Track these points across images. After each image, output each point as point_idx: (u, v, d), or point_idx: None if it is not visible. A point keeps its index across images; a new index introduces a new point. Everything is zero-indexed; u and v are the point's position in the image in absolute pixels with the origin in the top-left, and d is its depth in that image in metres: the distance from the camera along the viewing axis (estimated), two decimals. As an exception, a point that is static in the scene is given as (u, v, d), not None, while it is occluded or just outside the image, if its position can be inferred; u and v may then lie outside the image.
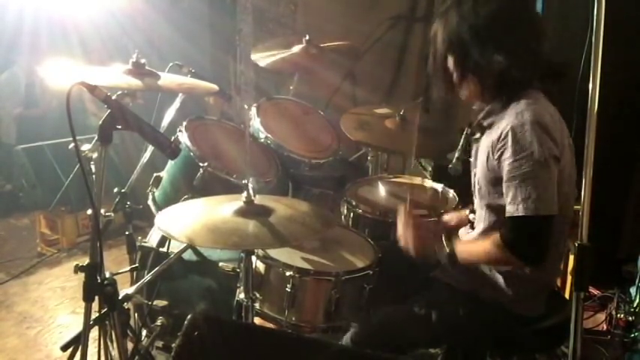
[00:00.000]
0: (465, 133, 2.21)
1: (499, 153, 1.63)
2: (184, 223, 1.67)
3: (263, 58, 3.06)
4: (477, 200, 1.83)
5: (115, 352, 1.80)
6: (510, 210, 1.60)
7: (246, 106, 2.34)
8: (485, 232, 1.76)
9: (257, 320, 1.99)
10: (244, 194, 1.73)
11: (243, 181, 1.75)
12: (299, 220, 1.75)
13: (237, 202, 1.74)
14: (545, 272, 1.77)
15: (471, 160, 1.87)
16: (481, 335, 1.81)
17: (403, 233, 1.85)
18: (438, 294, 1.85)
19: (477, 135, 1.83)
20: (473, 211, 1.90)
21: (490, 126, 1.74)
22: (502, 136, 1.62)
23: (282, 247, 1.66)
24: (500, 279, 1.76)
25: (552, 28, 2.89)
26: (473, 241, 1.79)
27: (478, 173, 1.77)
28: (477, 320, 1.78)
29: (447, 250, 1.76)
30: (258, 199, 1.75)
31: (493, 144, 1.66)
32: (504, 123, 1.65)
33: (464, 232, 1.97)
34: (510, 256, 1.61)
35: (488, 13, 1.63)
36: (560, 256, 1.82)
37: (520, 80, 1.65)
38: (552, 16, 2.87)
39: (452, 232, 1.96)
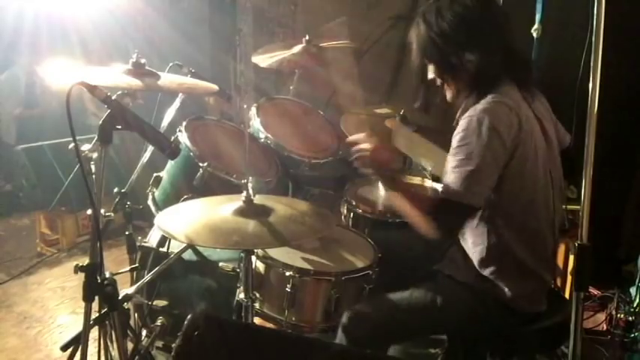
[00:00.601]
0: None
1: (454, 140, 1.71)
2: (184, 222, 1.67)
3: (264, 60, 3.05)
4: None
5: (115, 352, 1.80)
6: (442, 189, 1.71)
7: (245, 106, 2.34)
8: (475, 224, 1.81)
9: (257, 320, 2.00)
10: (244, 194, 1.73)
11: (243, 181, 1.75)
12: (299, 219, 1.75)
13: (237, 202, 1.74)
14: (544, 269, 1.79)
15: None
16: (480, 328, 1.82)
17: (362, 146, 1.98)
18: (439, 284, 1.86)
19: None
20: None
21: None
22: (459, 127, 1.70)
23: (283, 246, 1.67)
24: (491, 276, 1.78)
25: (552, 28, 2.89)
26: (420, 192, 1.89)
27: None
28: (475, 311, 1.79)
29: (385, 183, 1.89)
30: (257, 199, 1.75)
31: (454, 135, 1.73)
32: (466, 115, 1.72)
33: None
34: (431, 218, 1.71)
35: (453, 17, 1.71)
36: (549, 249, 1.82)
37: (490, 75, 1.73)
38: (552, 16, 2.87)
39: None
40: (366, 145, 1.98)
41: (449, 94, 1.85)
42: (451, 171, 1.68)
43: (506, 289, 1.76)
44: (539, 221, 1.77)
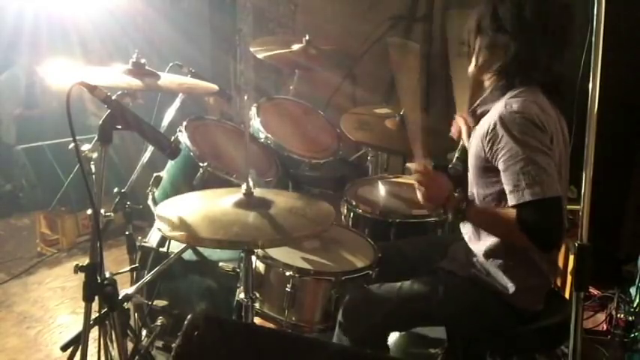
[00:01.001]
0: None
1: (490, 143, 1.66)
2: (185, 215, 1.68)
3: (261, 51, 3.05)
4: (471, 188, 1.86)
5: (115, 352, 1.80)
6: (516, 197, 1.59)
7: (246, 97, 2.34)
8: None
9: (257, 320, 1.99)
10: (244, 186, 1.73)
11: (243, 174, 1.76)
12: (299, 212, 1.76)
13: (237, 194, 1.75)
14: (548, 263, 1.78)
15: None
16: (478, 322, 1.82)
17: (420, 182, 1.81)
18: (440, 278, 1.86)
19: (472, 124, 1.87)
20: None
21: (483, 114, 1.78)
22: (492, 126, 1.65)
23: (284, 238, 1.65)
24: (498, 269, 1.77)
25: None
26: (488, 213, 1.75)
27: (470, 161, 1.82)
28: (474, 304, 1.79)
29: (460, 205, 1.73)
30: (257, 193, 1.76)
31: (483, 133, 1.69)
32: (494, 112, 1.69)
33: (466, 227, 1.95)
34: (527, 241, 1.59)
35: (535, 10, 1.67)
36: (559, 250, 1.82)
37: (525, 76, 1.70)
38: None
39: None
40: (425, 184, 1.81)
41: (472, 66, 1.82)
42: (515, 176, 1.59)
43: (509, 285, 1.76)
44: None
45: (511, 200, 1.60)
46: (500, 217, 1.66)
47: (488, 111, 1.76)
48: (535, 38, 1.68)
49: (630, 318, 2.66)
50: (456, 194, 1.75)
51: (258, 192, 1.77)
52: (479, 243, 1.83)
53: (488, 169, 1.71)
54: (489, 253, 1.79)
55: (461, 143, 2.15)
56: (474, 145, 1.78)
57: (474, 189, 1.82)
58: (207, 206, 1.74)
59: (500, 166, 1.64)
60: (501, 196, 1.68)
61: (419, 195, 1.81)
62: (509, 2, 1.70)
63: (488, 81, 1.82)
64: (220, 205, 1.73)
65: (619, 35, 1.98)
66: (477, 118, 1.82)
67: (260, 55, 3.03)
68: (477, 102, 1.81)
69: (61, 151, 3.98)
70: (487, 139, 1.66)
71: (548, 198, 1.56)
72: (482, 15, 1.75)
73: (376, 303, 1.84)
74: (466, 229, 1.90)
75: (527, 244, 1.60)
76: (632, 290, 2.72)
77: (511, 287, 1.76)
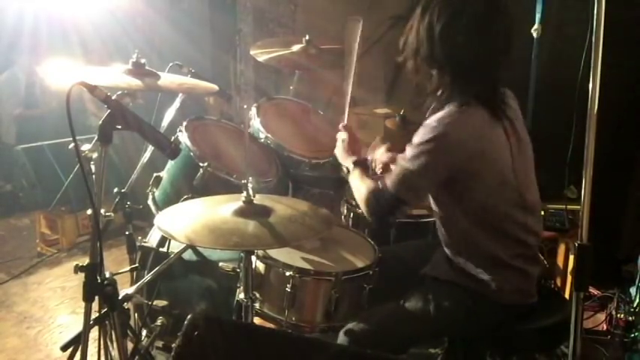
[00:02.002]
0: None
1: None
2: (184, 223, 1.67)
3: (262, 54, 3.05)
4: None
5: (115, 352, 1.80)
6: (388, 179, 1.77)
7: (245, 106, 2.34)
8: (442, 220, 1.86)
9: (257, 320, 1.99)
10: (244, 194, 1.73)
11: (243, 181, 1.76)
12: (299, 220, 1.75)
13: (237, 202, 1.74)
14: (523, 262, 1.79)
15: None
16: (475, 325, 1.81)
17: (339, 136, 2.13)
18: (428, 289, 1.86)
19: None
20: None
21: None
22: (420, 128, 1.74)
23: (283, 247, 1.67)
24: (472, 266, 1.79)
25: (552, 28, 2.89)
26: (366, 176, 1.94)
27: None
28: (467, 308, 1.79)
29: (348, 166, 2.01)
30: (257, 199, 1.75)
31: None
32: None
33: None
34: (366, 208, 1.83)
35: (461, 23, 1.67)
36: (526, 245, 1.81)
37: (463, 89, 1.70)
38: (552, 16, 2.87)
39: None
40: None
41: (414, 80, 1.84)
42: (397, 162, 1.76)
43: (492, 284, 1.76)
44: (504, 222, 1.75)
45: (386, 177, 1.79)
46: (363, 182, 1.89)
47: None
48: (451, 64, 1.70)
49: (630, 318, 2.66)
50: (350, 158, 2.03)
51: (257, 199, 1.76)
52: (447, 241, 1.85)
53: None
54: (453, 256, 1.83)
55: None
56: None
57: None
58: (207, 214, 1.73)
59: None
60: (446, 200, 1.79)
61: (337, 146, 2.13)
62: (421, 32, 1.75)
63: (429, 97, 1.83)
64: (220, 213, 1.72)
65: (619, 35, 1.98)
66: None
67: (260, 58, 3.03)
68: (428, 112, 1.82)
69: (61, 151, 3.98)
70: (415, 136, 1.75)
71: (397, 197, 1.75)
72: (415, 25, 1.81)
73: (374, 335, 1.82)
74: (439, 231, 1.91)
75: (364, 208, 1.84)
76: (632, 290, 2.72)
77: (493, 285, 1.76)
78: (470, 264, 1.79)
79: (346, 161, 2.06)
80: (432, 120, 1.70)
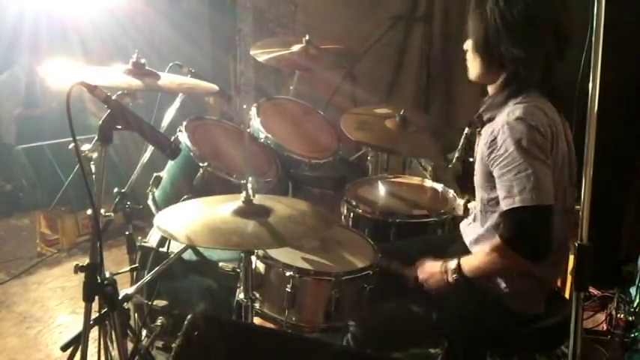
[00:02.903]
0: (465, 133, 2.21)
1: (491, 149, 1.66)
2: (184, 223, 1.67)
3: (262, 54, 3.06)
4: (476, 192, 1.85)
5: (115, 352, 1.80)
6: (507, 203, 1.60)
7: (245, 107, 2.35)
8: (483, 223, 1.79)
9: (257, 320, 1.99)
10: (243, 194, 1.73)
11: (243, 181, 1.76)
12: (299, 220, 1.75)
13: (237, 202, 1.74)
14: (543, 268, 1.74)
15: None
16: (478, 329, 1.81)
17: (419, 270, 1.87)
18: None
19: (478, 128, 1.86)
20: (468, 201, 1.91)
21: (489, 120, 1.77)
22: (494, 132, 1.66)
23: (283, 247, 1.66)
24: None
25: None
26: (473, 256, 1.77)
27: (476, 166, 1.81)
28: (473, 310, 1.79)
29: (454, 276, 1.75)
30: (257, 199, 1.75)
31: (487, 140, 1.69)
32: (499, 120, 1.69)
33: (465, 224, 1.96)
34: (512, 254, 1.60)
35: (522, 12, 1.64)
36: (561, 254, 1.81)
37: (526, 80, 1.68)
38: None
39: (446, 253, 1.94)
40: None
41: (474, 72, 1.79)
42: (508, 183, 1.60)
43: (503, 287, 1.76)
44: (563, 229, 1.72)
45: (503, 205, 1.61)
46: (487, 249, 1.68)
47: (494, 117, 1.74)
48: (529, 45, 1.65)
49: (630, 318, 2.66)
50: (445, 264, 1.78)
51: (257, 199, 1.76)
52: (481, 246, 1.81)
53: (490, 174, 1.71)
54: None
55: (461, 142, 2.15)
56: (479, 150, 1.79)
57: (478, 192, 1.82)
58: (207, 214, 1.73)
59: (496, 172, 1.64)
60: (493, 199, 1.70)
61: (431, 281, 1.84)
62: (499, 10, 1.67)
63: (490, 87, 1.81)
64: (220, 213, 1.72)
65: (619, 35, 1.98)
66: (482, 123, 1.81)
67: (260, 58, 3.03)
68: (483, 107, 1.79)
69: (61, 151, 3.98)
70: (488, 145, 1.67)
71: (539, 206, 1.56)
72: (477, 26, 1.73)
73: (378, 334, 1.83)
74: (462, 226, 1.89)
75: (517, 262, 1.61)
76: (632, 290, 2.72)
77: (505, 290, 1.76)
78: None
79: (447, 270, 1.78)
80: (510, 119, 1.63)
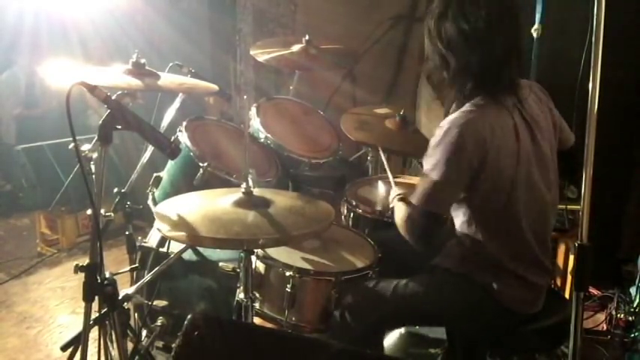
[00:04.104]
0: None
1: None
2: (185, 214, 1.68)
3: (262, 54, 3.06)
4: None
5: (115, 352, 1.80)
6: (411, 198, 1.74)
7: (245, 97, 2.34)
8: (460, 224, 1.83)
9: (257, 320, 1.99)
10: (244, 185, 1.74)
11: (243, 173, 1.76)
12: (299, 211, 1.76)
13: (237, 194, 1.75)
14: (520, 267, 1.76)
15: None
16: (474, 322, 1.81)
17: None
18: (435, 276, 1.86)
19: None
20: None
21: None
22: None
23: (284, 236, 1.65)
24: (474, 268, 1.78)
25: (552, 28, 2.89)
26: (402, 208, 1.85)
27: None
28: (469, 303, 1.79)
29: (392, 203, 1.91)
30: (256, 192, 1.77)
31: None
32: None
33: None
34: (407, 236, 1.77)
35: (456, 21, 1.68)
36: (538, 254, 1.79)
37: (472, 85, 1.70)
38: (552, 16, 2.87)
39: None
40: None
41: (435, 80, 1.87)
42: (420, 178, 1.74)
43: (492, 283, 1.76)
44: (519, 227, 1.74)
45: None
46: (405, 215, 1.79)
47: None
48: (464, 49, 1.68)
49: (630, 318, 2.67)
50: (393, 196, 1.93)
51: (257, 191, 1.77)
52: (460, 244, 1.83)
53: None
54: (463, 256, 1.81)
55: None
56: None
57: None
58: (207, 206, 1.74)
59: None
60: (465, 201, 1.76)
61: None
62: (436, 15, 1.72)
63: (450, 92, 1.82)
64: (220, 204, 1.73)
65: (619, 35, 1.98)
66: None
67: (260, 58, 3.03)
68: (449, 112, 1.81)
69: (61, 151, 3.98)
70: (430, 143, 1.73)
71: (426, 210, 1.70)
72: (427, 27, 1.77)
73: (371, 303, 1.86)
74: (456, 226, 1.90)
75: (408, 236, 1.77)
76: (632, 290, 2.73)
77: (495, 287, 1.76)
78: (473, 265, 1.78)
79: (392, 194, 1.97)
80: (444, 122, 1.68)
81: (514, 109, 1.73)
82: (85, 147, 1.68)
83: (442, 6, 1.72)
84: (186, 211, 1.69)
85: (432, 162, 1.68)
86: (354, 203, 2.42)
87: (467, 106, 1.70)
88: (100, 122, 1.58)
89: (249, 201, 1.73)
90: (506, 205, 1.72)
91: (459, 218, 1.80)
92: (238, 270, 2.03)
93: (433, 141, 1.69)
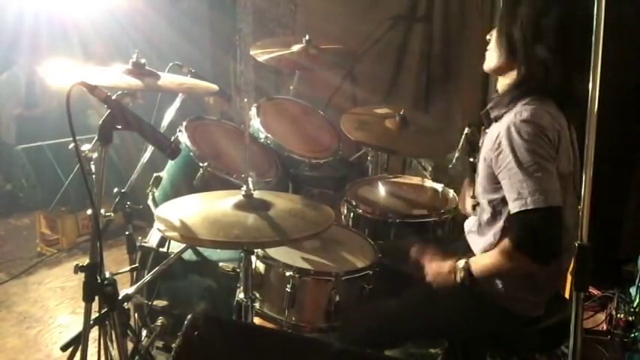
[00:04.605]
0: (464, 133, 2.21)
1: (497, 153, 1.65)
2: (185, 217, 1.68)
3: (262, 54, 3.06)
4: (479, 189, 1.84)
5: (115, 352, 1.80)
6: (517, 205, 1.58)
7: (245, 100, 2.34)
8: (489, 224, 1.77)
9: (257, 320, 2.00)
10: (244, 187, 1.73)
11: (243, 175, 1.76)
12: (299, 213, 1.76)
13: (237, 196, 1.75)
14: (540, 272, 1.73)
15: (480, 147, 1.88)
16: (476, 330, 1.81)
17: (427, 269, 1.84)
18: (432, 289, 1.83)
19: (483, 126, 1.85)
20: (474, 196, 1.91)
21: (496, 119, 1.76)
22: (501, 134, 1.64)
23: (284, 239, 1.65)
24: (501, 274, 1.75)
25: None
26: (482, 256, 1.76)
27: (480, 167, 1.80)
28: (471, 311, 1.78)
29: (462, 275, 1.74)
30: (257, 195, 1.77)
31: (492, 143, 1.68)
32: (505, 120, 1.67)
33: (470, 224, 1.94)
34: (522, 256, 1.59)
35: (556, 17, 1.65)
36: (561, 258, 1.77)
37: (542, 82, 1.67)
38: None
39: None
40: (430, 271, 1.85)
41: (492, 64, 1.77)
42: (518, 184, 1.58)
43: (500, 288, 1.75)
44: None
45: (513, 208, 1.60)
46: (497, 251, 1.67)
47: (501, 116, 1.73)
48: (555, 49, 1.64)
49: (630, 318, 2.67)
50: (453, 263, 1.76)
51: (257, 194, 1.77)
52: (483, 247, 1.80)
53: (495, 176, 1.69)
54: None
55: (461, 142, 2.14)
56: (483, 149, 1.77)
57: (483, 194, 1.80)
58: (207, 208, 1.74)
59: (504, 174, 1.63)
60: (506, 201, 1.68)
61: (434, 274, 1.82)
62: (535, 15, 1.66)
63: (501, 84, 1.79)
64: (220, 206, 1.72)
65: (619, 35, 1.98)
66: (489, 121, 1.80)
67: (260, 58, 3.03)
68: (490, 104, 1.78)
69: (61, 151, 3.98)
70: (495, 146, 1.66)
71: (550, 207, 1.55)
72: (511, 19, 1.71)
73: (371, 320, 1.85)
74: (469, 226, 1.88)
75: (527, 264, 1.60)
76: (632, 290, 2.73)
77: (503, 292, 1.75)
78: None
79: (453, 270, 1.77)
80: (517, 120, 1.62)
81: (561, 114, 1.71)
82: (85, 147, 1.68)
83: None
84: (187, 214, 1.69)
85: (526, 158, 1.58)
86: (354, 203, 2.42)
87: (527, 102, 1.65)
88: (100, 122, 1.58)
89: (249, 204, 1.73)
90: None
91: (500, 221, 1.74)
92: (238, 270, 2.04)
93: (513, 141, 1.60)
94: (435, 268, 1.82)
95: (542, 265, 1.61)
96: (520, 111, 1.64)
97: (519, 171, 1.58)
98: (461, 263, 1.75)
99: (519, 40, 1.68)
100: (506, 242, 1.64)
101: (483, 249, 1.78)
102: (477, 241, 1.84)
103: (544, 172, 1.57)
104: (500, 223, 1.74)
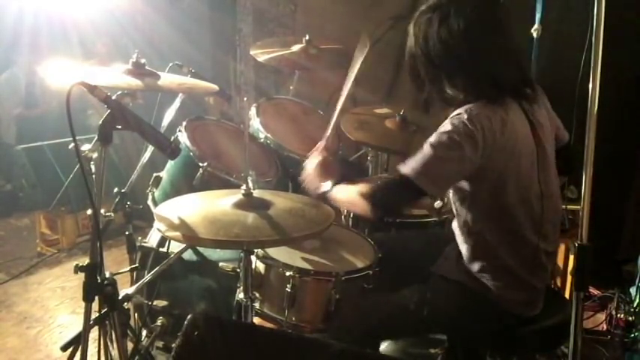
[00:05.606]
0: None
1: None
2: (185, 216, 1.68)
3: (262, 54, 3.06)
4: None
5: (115, 352, 1.80)
6: (401, 165, 1.68)
7: (245, 100, 2.35)
8: (457, 223, 1.81)
9: (257, 320, 1.99)
10: (243, 186, 1.74)
11: (243, 174, 1.76)
12: (299, 212, 1.76)
13: (237, 195, 1.75)
14: (523, 269, 1.75)
15: None
16: (473, 328, 1.81)
17: (309, 165, 2.01)
18: (431, 285, 1.85)
19: None
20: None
21: None
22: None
23: (284, 238, 1.66)
24: (481, 272, 1.76)
25: (552, 28, 2.89)
26: (343, 189, 1.86)
27: None
28: (466, 311, 1.78)
29: (323, 191, 1.89)
30: (256, 194, 1.77)
31: None
32: None
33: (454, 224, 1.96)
34: (365, 203, 1.73)
35: (439, 42, 1.73)
36: (537, 254, 1.77)
37: (472, 95, 1.70)
38: (552, 16, 2.87)
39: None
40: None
41: (442, 103, 1.83)
42: (419, 152, 1.67)
43: (493, 289, 1.75)
44: (521, 226, 1.73)
45: (399, 166, 1.70)
46: (355, 192, 1.78)
47: None
48: (461, 63, 1.68)
49: (630, 318, 2.66)
50: (324, 182, 1.91)
51: (257, 193, 1.77)
52: (462, 245, 1.81)
53: None
54: (469, 260, 1.79)
55: None
56: None
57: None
58: (207, 207, 1.74)
59: None
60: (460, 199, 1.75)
61: (311, 164, 2.01)
62: (424, 31, 1.79)
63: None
64: (220, 205, 1.73)
65: (619, 35, 1.98)
66: None
67: (260, 58, 3.03)
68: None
69: (61, 151, 3.98)
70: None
71: (415, 184, 1.64)
72: (411, 50, 1.84)
73: (368, 313, 1.85)
74: (454, 227, 1.90)
75: (364, 211, 1.73)
76: (632, 290, 2.72)
77: (495, 291, 1.75)
78: (481, 268, 1.77)
79: (322, 187, 1.92)
80: (459, 110, 1.66)
81: (519, 110, 1.72)
82: (85, 147, 1.68)
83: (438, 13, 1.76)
84: (186, 213, 1.69)
85: (437, 140, 1.64)
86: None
87: (476, 104, 1.67)
88: (100, 122, 1.58)
89: (249, 203, 1.73)
90: (511, 206, 1.70)
91: (462, 217, 1.78)
92: (238, 270, 2.03)
93: (444, 126, 1.66)
94: (312, 172, 1.98)
95: (380, 223, 1.78)
96: (473, 105, 1.67)
97: (427, 145, 1.65)
98: (328, 185, 1.89)
99: (428, 69, 1.77)
100: (367, 187, 1.75)
101: (467, 251, 1.80)
102: (461, 244, 1.84)
103: (441, 160, 1.63)
104: (461, 218, 1.78)
